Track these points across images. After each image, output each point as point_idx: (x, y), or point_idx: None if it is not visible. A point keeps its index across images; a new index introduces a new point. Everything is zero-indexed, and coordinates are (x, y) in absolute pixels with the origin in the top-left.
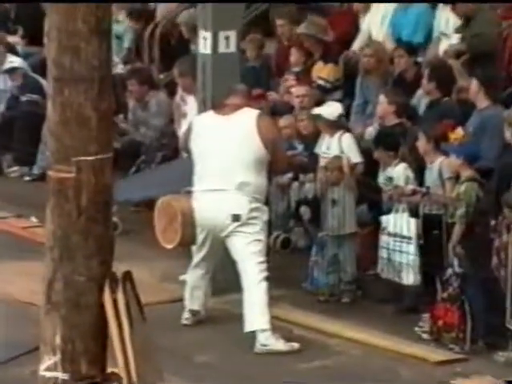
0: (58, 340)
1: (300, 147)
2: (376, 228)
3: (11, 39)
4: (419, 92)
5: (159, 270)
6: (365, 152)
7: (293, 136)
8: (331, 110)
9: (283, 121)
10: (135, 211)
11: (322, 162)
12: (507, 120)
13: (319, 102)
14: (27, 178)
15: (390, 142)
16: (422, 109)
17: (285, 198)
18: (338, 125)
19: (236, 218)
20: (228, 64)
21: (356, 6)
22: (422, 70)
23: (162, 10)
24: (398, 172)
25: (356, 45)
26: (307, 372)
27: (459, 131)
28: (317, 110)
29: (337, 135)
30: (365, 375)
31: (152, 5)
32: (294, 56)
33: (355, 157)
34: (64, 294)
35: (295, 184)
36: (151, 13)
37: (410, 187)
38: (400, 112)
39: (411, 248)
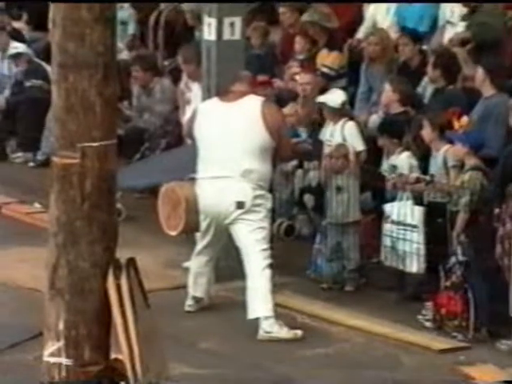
0: (61, 326)
1: (304, 135)
2: (379, 216)
3: (16, 25)
4: (425, 80)
5: (163, 257)
6: (369, 140)
7: (296, 124)
8: (334, 97)
9: (288, 109)
10: (139, 198)
11: (327, 150)
12: None
13: (323, 90)
14: (31, 164)
15: (395, 129)
16: (427, 97)
17: (289, 185)
18: (342, 112)
19: (240, 205)
20: (233, 51)
21: None
22: (427, 58)
23: None
24: (402, 160)
25: (361, 33)
26: (310, 359)
27: (464, 119)
28: (320, 98)
29: (340, 123)
30: (367, 363)
31: None
32: (299, 44)
33: (358, 145)
34: (68, 280)
35: (299, 171)
36: (154, 4)
37: (414, 175)
38: (404, 100)
39: (415, 236)
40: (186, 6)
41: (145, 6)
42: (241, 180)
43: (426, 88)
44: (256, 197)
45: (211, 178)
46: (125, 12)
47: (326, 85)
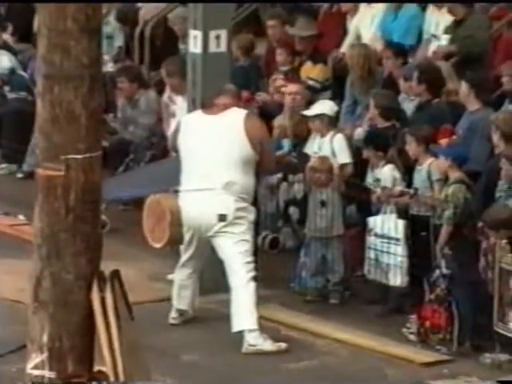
0: (45, 338)
1: (286, 147)
2: (364, 229)
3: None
4: (402, 95)
5: (147, 269)
6: (354, 153)
7: (283, 135)
8: (327, 107)
9: (277, 121)
10: (124, 210)
11: (311, 163)
12: (494, 122)
13: (309, 103)
14: (19, 176)
15: (381, 142)
16: (406, 110)
17: (273, 198)
18: (334, 123)
19: (222, 217)
20: (218, 63)
21: (345, 7)
22: (402, 72)
23: (144, 11)
24: (385, 173)
25: (345, 46)
26: (295, 372)
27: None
28: (315, 109)
29: (329, 135)
30: (352, 376)
31: (139, 5)
32: (281, 55)
33: (345, 158)
34: (52, 292)
35: (284, 184)
36: (137, 14)
37: (398, 188)
38: (385, 114)
39: (399, 249)
40: (174, 16)
41: (127, 22)
42: (223, 193)
43: (403, 103)
44: (238, 209)
45: (194, 191)
46: (110, 26)
47: (311, 97)
